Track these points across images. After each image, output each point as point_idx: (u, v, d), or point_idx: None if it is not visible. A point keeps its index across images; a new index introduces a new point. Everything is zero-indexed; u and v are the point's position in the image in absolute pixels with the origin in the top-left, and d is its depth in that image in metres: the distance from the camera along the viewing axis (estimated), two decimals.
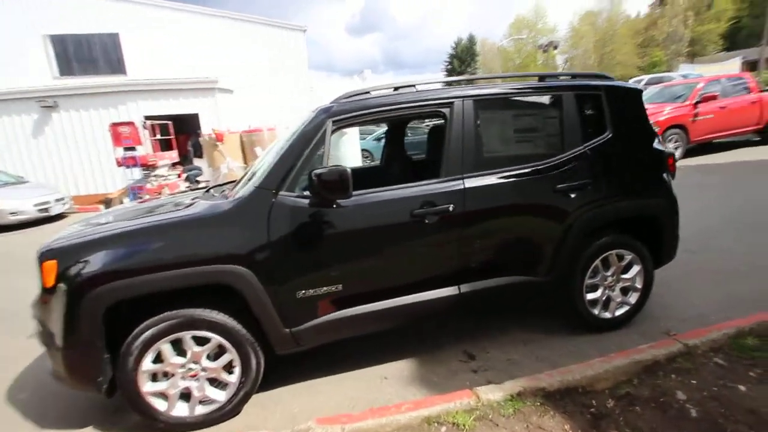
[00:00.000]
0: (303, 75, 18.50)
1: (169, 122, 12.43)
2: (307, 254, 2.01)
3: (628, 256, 2.54)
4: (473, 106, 2.24)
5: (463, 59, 48.29)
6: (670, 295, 2.97)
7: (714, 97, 8.60)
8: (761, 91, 9.17)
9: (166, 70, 16.00)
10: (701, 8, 34.95)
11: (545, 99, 2.41)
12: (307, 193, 2.00)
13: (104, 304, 1.80)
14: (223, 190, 2.55)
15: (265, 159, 2.31)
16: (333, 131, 2.09)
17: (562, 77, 2.55)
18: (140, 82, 14.37)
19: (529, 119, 2.46)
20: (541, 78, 2.49)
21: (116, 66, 16.81)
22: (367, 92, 2.21)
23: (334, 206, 1.99)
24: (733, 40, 38.96)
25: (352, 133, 8.21)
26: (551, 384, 1.97)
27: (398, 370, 2.40)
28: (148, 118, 12.66)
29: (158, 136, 12.21)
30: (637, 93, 2.58)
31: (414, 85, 2.28)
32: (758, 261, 3.39)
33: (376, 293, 2.15)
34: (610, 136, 2.45)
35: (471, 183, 2.19)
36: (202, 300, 1.96)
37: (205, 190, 2.74)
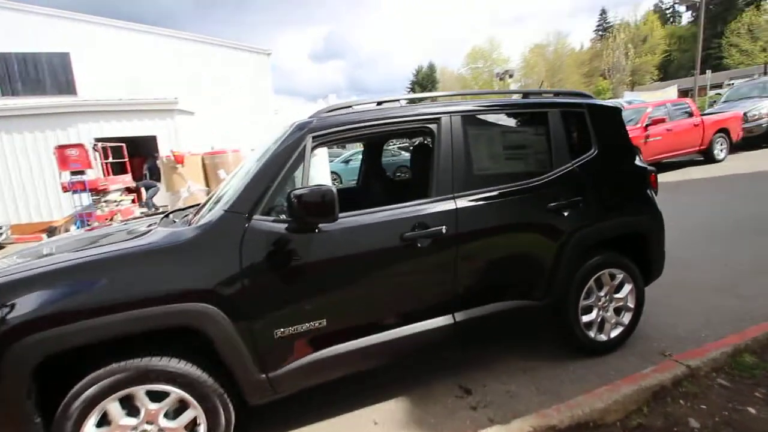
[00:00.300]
0: (267, 98, 18.26)
1: (123, 144, 11.69)
2: (287, 286, 1.76)
3: (620, 275, 2.47)
4: (461, 122, 2.12)
5: (424, 86, 50.04)
6: (656, 313, 2.93)
7: (662, 120, 9.23)
8: (702, 115, 9.97)
9: (122, 91, 15.23)
10: (638, 42, 38.49)
11: (532, 116, 2.35)
12: (284, 217, 1.77)
13: (33, 359, 1.46)
14: (186, 215, 2.26)
15: (233, 181, 2.05)
16: (313, 148, 1.89)
17: (545, 94, 2.51)
18: (91, 103, 13.57)
19: (517, 136, 2.38)
20: (525, 95, 2.44)
21: (65, 86, 15.85)
22: (349, 106, 2.04)
23: (317, 231, 1.77)
24: (665, 71, 43.11)
25: (321, 154, 8.02)
26: (561, 420, 1.80)
27: (390, 412, 2.14)
28: (101, 140, 11.87)
29: (110, 159, 11.42)
30: (617, 111, 2.59)
31: (398, 100, 2.14)
32: (730, 272, 3.47)
33: (365, 327, 1.92)
34: (595, 153, 2.41)
35: (463, 202, 2.04)
36: (159, 346, 1.64)
37: (163, 215, 2.42)
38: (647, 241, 2.52)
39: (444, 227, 1.96)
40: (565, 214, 2.23)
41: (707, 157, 9.76)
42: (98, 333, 1.49)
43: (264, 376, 1.74)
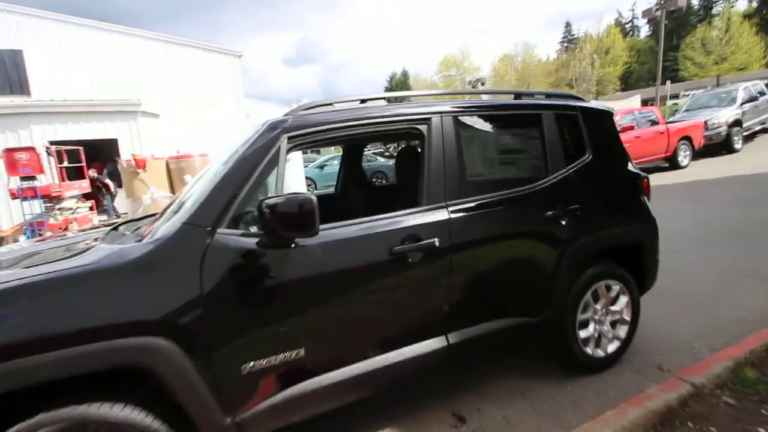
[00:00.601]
0: (238, 101, 17.68)
1: (80, 148, 10.91)
2: (257, 312, 1.50)
3: (616, 287, 2.35)
4: (453, 123, 1.94)
5: None
6: (646, 324, 2.84)
7: (631, 128, 9.49)
8: (667, 123, 10.35)
9: (81, 92, 14.31)
10: (602, 53, 40.25)
11: (526, 118, 2.19)
12: (255, 230, 1.51)
13: None
14: (138, 227, 1.95)
15: (196, 187, 1.78)
16: (288, 150, 1.65)
17: (537, 95, 2.37)
18: (45, 104, 12.68)
19: (511, 139, 2.22)
20: (517, 96, 2.29)
21: (18, 86, 14.76)
22: (330, 104, 1.81)
23: (293, 246, 1.52)
24: (626, 82, 45.32)
25: (295, 159, 7.70)
26: None
27: None
28: (55, 143, 11.03)
29: (66, 164, 10.61)
30: (610, 115, 2.49)
31: (385, 98, 1.93)
32: (713, 278, 3.46)
33: (349, 355, 1.68)
34: (590, 158, 2.28)
35: (457, 212, 1.85)
36: (103, 387, 1.35)
37: (111, 227, 2.09)
38: (643, 249, 2.41)
39: (437, 239, 1.75)
40: (563, 222, 2.08)
41: (672, 163, 10.11)
42: (13, 380, 1.19)
43: (229, 419, 1.47)
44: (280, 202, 1.39)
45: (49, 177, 10.30)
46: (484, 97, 2.66)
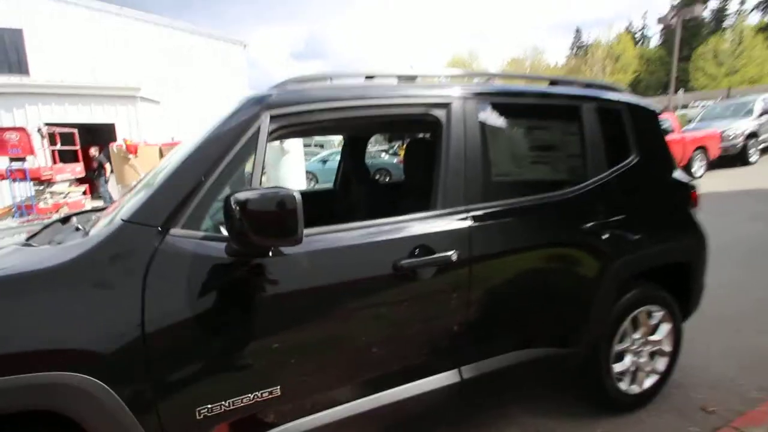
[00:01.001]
0: (242, 91, 17.32)
1: (74, 130, 10.55)
2: (220, 339, 1.15)
3: (658, 313, 2.00)
4: (478, 110, 1.58)
5: None
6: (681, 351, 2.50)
7: None
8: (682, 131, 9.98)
9: (81, 74, 13.95)
10: (612, 59, 39.82)
11: (564, 109, 1.83)
12: (224, 232, 1.16)
13: None
14: (89, 219, 1.60)
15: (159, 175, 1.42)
16: (272, 133, 1.29)
17: (575, 84, 2.00)
18: (41, 84, 12.33)
19: (546, 133, 1.86)
20: (553, 82, 1.93)
21: (17, 65, 14.40)
22: (328, 78, 1.46)
23: (271, 255, 1.17)
24: (635, 91, 44.85)
25: (295, 152, 7.34)
26: None
27: None
28: (52, 125, 10.69)
29: (59, 146, 10.26)
30: (656, 114, 2.13)
31: (397, 76, 1.57)
32: (748, 301, 3.10)
33: (337, 394, 1.33)
34: (635, 161, 1.93)
35: (479, 218, 1.50)
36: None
37: (59, 219, 1.73)
38: (691, 270, 2.06)
39: (454, 252, 1.40)
40: (604, 237, 1.73)
41: (685, 172, 9.74)
42: None
43: None
44: (252, 198, 1.04)
45: (42, 159, 9.97)
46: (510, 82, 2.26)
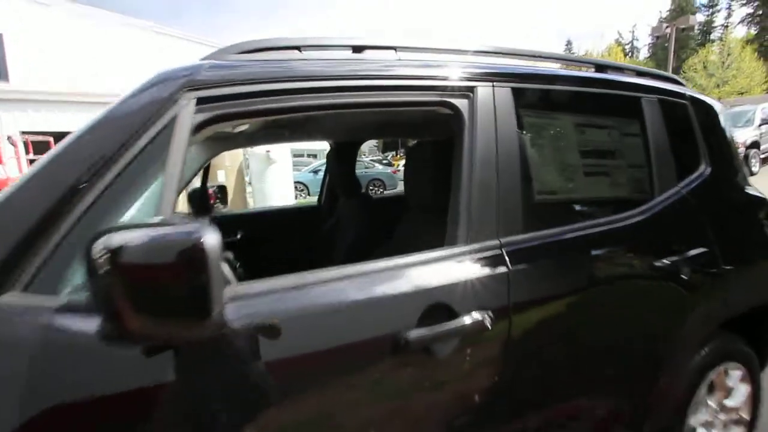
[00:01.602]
0: None
1: (50, 139, 9.97)
2: None
3: (736, 372, 1.52)
4: (514, 99, 1.11)
5: None
6: None
7: None
8: None
9: (63, 79, 13.38)
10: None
11: (621, 102, 1.37)
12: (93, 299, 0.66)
13: None
14: None
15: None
16: (201, 127, 0.81)
17: (625, 71, 1.54)
18: (16, 90, 11.76)
19: (599, 134, 1.38)
20: (600, 68, 1.46)
21: None
22: (294, 47, 0.97)
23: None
24: None
25: (282, 160, 6.84)
26: None
27: None
28: (27, 133, 10.12)
29: (32, 156, 9.68)
30: (718, 113, 1.69)
31: (394, 48, 1.08)
32: None
33: None
34: (708, 172, 1.47)
35: (520, 257, 1.02)
36: None
37: None
38: None
39: (487, 314, 0.91)
40: (685, 275, 1.25)
41: None
42: None
43: None
44: (131, 245, 0.55)
45: (14, 169, 9.36)
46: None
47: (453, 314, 0.89)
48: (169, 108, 0.76)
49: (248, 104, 0.85)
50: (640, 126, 1.35)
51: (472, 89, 1.06)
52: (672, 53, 15.72)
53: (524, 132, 1.11)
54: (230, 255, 1.34)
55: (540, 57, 1.33)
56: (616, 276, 1.17)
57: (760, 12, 41.61)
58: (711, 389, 1.48)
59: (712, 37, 45.40)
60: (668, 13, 43.61)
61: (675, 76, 1.66)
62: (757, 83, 31.78)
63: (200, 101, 0.79)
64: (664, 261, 1.22)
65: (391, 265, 0.90)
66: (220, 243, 0.57)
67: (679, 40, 43.92)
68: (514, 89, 1.11)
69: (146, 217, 0.73)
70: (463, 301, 0.91)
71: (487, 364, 0.95)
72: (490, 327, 0.90)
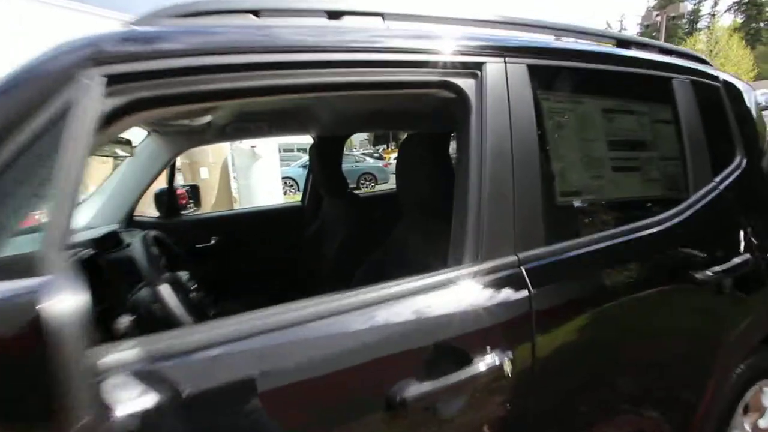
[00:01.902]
0: None
1: None
2: None
3: None
4: (530, 79, 0.90)
5: None
6: None
7: None
8: None
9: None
10: None
11: (652, 82, 1.16)
12: None
13: None
14: None
15: None
16: (115, 115, 0.58)
17: (650, 48, 1.33)
18: None
19: (627, 120, 1.17)
20: (621, 43, 1.25)
21: None
22: (251, 11, 0.74)
23: None
24: None
25: (269, 155, 6.56)
26: None
27: None
28: None
29: None
30: (750, 97, 1.50)
31: (382, 15, 0.86)
32: None
33: None
34: (744, 165, 1.28)
35: (543, 275, 0.81)
36: None
37: None
38: None
39: (507, 355, 0.71)
40: (725, 289, 1.07)
41: None
42: None
43: None
44: None
45: None
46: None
47: (461, 360, 0.68)
48: (57, 91, 0.54)
49: (186, 84, 0.62)
50: (672, 112, 1.16)
51: (479, 66, 0.84)
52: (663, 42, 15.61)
53: (544, 119, 0.90)
54: (184, 274, 1.12)
55: (554, 29, 1.11)
56: (657, 292, 0.97)
57: (746, 0, 41.95)
58: (746, 409, 1.32)
59: (699, 26, 45.67)
60: (656, 2, 43.63)
61: (703, 56, 1.46)
62: (744, 71, 32.04)
63: (112, 80, 0.57)
64: (706, 271, 1.03)
65: (383, 295, 0.69)
66: (82, 308, 0.35)
67: (667, 29, 44.12)
68: (530, 66, 0.90)
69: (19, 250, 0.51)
70: (472, 341, 0.70)
71: (505, 421, 0.75)
72: (509, 373, 0.70)
